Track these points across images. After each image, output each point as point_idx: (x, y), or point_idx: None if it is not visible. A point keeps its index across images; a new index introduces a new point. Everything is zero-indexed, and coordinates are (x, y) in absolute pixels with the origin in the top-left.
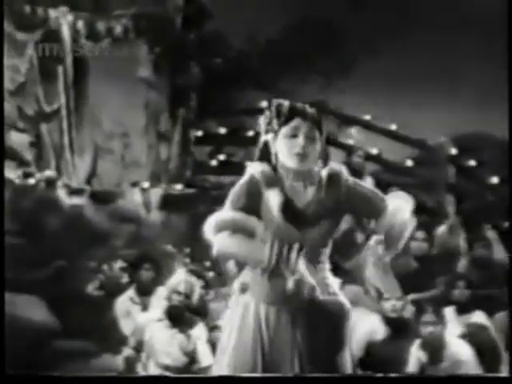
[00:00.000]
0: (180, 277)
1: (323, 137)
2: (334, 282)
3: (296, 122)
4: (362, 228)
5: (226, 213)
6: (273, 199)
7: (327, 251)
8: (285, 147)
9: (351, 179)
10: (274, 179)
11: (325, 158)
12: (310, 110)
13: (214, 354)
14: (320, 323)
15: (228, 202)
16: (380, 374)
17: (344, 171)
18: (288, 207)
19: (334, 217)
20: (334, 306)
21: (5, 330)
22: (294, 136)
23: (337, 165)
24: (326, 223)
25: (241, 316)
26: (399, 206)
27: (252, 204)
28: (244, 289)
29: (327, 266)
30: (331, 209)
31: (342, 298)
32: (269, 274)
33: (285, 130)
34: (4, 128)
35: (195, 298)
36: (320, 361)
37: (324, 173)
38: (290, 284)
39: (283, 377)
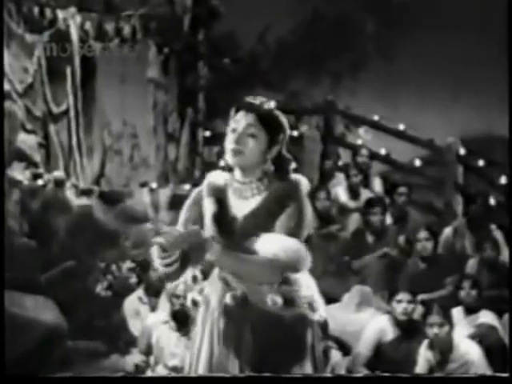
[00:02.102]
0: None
1: (278, 140)
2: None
3: (239, 115)
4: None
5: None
6: (207, 209)
7: None
8: (226, 141)
9: (306, 196)
10: (216, 188)
11: (281, 165)
12: (263, 106)
13: None
14: (268, 333)
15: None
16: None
17: (304, 184)
18: (223, 217)
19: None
20: (292, 317)
21: (5, 331)
22: (233, 130)
23: (299, 176)
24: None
25: (203, 317)
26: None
27: (195, 215)
28: (195, 303)
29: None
30: (272, 222)
31: (306, 310)
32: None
33: (230, 123)
34: (4, 128)
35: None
36: (272, 369)
37: (281, 183)
38: (228, 299)
39: (284, 377)
